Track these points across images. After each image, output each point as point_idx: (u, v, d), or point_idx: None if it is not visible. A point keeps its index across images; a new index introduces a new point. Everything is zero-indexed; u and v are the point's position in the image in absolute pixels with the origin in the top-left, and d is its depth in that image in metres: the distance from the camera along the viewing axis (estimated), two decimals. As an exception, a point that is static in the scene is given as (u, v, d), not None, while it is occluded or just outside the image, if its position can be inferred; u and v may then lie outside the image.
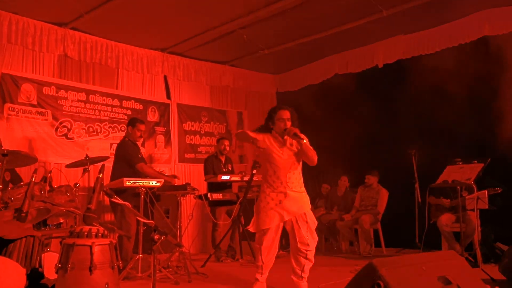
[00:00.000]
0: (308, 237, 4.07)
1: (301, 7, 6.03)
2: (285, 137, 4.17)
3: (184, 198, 6.59)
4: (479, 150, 5.72)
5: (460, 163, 5.20)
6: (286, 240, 7.82)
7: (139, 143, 5.92)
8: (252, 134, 4.19)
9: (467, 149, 6.00)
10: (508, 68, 5.81)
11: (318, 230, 4.42)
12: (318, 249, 4.33)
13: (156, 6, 5.94)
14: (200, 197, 6.26)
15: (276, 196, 4.10)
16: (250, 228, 4.26)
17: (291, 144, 4.20)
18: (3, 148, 4.89)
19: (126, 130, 5.97)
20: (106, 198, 6.22)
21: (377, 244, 6.95)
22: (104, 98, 6.99)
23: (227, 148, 6.86)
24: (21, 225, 2.58)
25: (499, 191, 5.58)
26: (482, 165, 4.90)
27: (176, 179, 5.92)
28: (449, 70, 6.46)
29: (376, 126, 7.16)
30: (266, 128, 4.26)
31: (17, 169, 5.64)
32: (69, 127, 6.55)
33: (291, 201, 4.11)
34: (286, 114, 4.18)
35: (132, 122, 5.73)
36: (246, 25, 6.60)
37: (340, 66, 7.96)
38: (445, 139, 6.48)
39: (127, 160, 5.49)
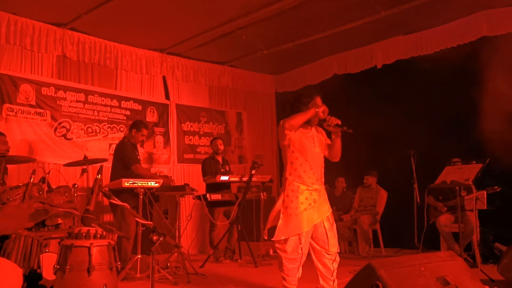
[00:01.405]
0: (337, 240, 3.79)
1: (300, 7, 6.03)
2: (314, 127, 3.86)
3: (183, 199, 6.61)
4: (478, 150, 5.72)
5: (459, 163, 5.21)
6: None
7: (138, 144, 5.92)
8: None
9: (466, 150, 6.00)
10: (506, 68, 5.81)
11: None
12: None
13: (154, 7, 5.94)
14: (199, 197, 6.26)
15: (310, 195, 3.69)
16: (277, 236, 3.67)
17: (322, 135, 3.91)
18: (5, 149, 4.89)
19: (127, 131, 5.96)
20: (106, 199, 6.22)
21: (376, 245, 6.95)
22: (103, 98, 6.98)
23: (221, 147, 6.85)
24: (18, 215, 2.56)
25: (497, 190, 5.58)
26: (480, 165, 4.90)
27: (173, 181, 5.91)
28: (447, 70, 6.47)
29: (375, 127, 7.15)
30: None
31: (15, 170, 5.65)
32: (68, 127, 6.54)
33: (324, 200, 3.79)
34: (320, 100, 3.79)
35: (138, 126, 5.68)
36: (245, 25, 6.61)
37: (339, 66, 7.96)
38: (444, 139, 6.49)
39: (123, 160, 5.50)
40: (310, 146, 3.78)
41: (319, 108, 3.71)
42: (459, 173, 5.02)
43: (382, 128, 7.10)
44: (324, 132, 3.98)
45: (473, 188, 5.07)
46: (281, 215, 3.72)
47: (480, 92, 6.14)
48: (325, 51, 7.89)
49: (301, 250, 3.66)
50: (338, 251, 3.84)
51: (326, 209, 3.78)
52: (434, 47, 6.76)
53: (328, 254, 3.74)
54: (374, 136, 7.25)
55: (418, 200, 6.35)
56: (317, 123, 3.86)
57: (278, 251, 3.72)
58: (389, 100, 7.18)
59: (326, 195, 3.87)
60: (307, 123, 3.80)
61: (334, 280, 3.77)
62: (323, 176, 3.84)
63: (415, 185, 6.45)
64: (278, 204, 3.79)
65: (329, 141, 3.93)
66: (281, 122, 3.75)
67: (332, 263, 3.77)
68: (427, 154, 6.38)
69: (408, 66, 7.03)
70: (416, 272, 2.48)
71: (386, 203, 7.01)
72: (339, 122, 3.73)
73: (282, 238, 3.66)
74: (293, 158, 3.76)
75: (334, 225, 3.84)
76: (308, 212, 3.66)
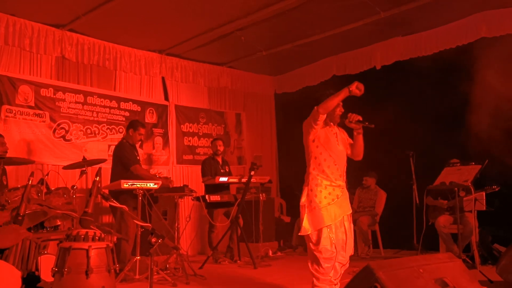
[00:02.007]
0: (353, 243, 3.80)
1: (299, 9, 6.03)
2: (336, 126, 3.88)
3: (182, 200, 6.59)
4: (477, 152, 5.72)
5: (458, 164, 5.21)
6: (284, 241, 7.86)
7: (137, 144, 5.93)
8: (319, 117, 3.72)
9: (464, 151, 6.00)
10: (505, 69, 5.81)
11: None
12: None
13: (153, 8, 5.94)
14: (197, 198, 6.26)
15: (334, 191, 3.72)
16: (303, 230, 3.69)
17: (344, 134, 3.94)
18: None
19: (125, 132, 5.96)
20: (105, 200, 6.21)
21: (375, 246, 6.95)
22: (102, 99, 6.98)
23: (220, 148, 6.86)
24: (17, 229, 2.58)
25: (496, 189, 5.59)
26: (479, 166, 4.90)
27: (172, 182, 5.91)
28: (446, 71, 6.47)
29: (374, 128, 7.16)
30: None
31: (14, 171, 5.64)
32: (67, 128, 6.54)
33: (346, 198, 3.80)
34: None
35: (134, 125, 5.71)
36: (244, 26, 6.60)
37: (338, 67, 7.96)
38: (443, 140, 6.49)
39: (122, 162, 5.51)
40: (334, 142, 3.83)
41: (351, 86, 3.71)
42: (458, 174, 5.03)
43: (381, 129, 7.07)
44: (345, 132, 4.01)
45: (472, 189, 5.07)
46: (306, 209, 3.73)
47: (479, 93, 6.15)
48: (324, 52, 7.89)
49: (335, 248, 3.66)
50: (352, 253, 3.85)
51: (347, 207, 3.80)
52: (433, 48, 6.76)
53: (343, 258, 3.74)
54: (373, 137, 7.23)
55: (417, 201, 6.36)
56: (339, 121, 3.90)
57: (314, 252, 3.70)
58: (388, 101, 7.17)
59: (347, 193, 3.87)
60: (330, 120, 3.84)
61: (336, 284, 3.77)
62: (345, 173, 3.85)
63: (414, 186, 6.46)
64: (302, 200, 3.79)
65: (351, 141, 3.98)
66: (315, 108, 3.72)
67: (341, 267, 3.78)
68: (426, 155, 6.39)
69: (407, 67, 7.03)
70: (415, 274, 2.49)
71: (385, 204, 7.00)
72: (360, 118, 3.77)
73: (307, 233, 3.67)
74: (317, 153, 3.78)
75: (352, 226, 3.83)
76: (331, 207, 3.67)
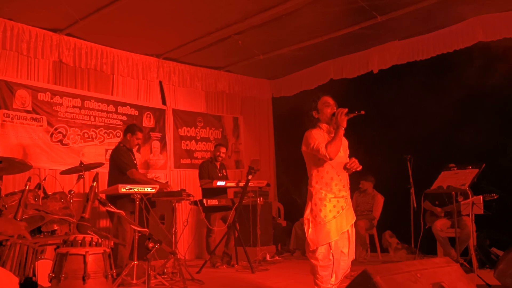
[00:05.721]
0: (354, 248, 3.80)
1: (296, 13, 6.05)
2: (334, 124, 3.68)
3: (179, 204, 6.59)
4: (474, 155, 5.74)
5: (455, 168, 5.21)
6: (282, 245, 7.86)
7: (134, 149, 5.92)
8: (316, 143, 3.62)
9: (462, 155, 6.02)
10: (503, 73, 5.84)
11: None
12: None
13: (151, 12, 5.94)
14: (195, 203, 6.25)
15: (338, 203, 3.64)
16: (311, 246, 3.62)
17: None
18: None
19: (122, 136, 5.96)
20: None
21: (373, 250, 6.96)
22: (99, 104, 6.97)
23: (222, 155, 6.87)
24: (16, 222, 2.57)
25: (495, 197, 5.60)
26: (477, 170, 4.90)
27: (168, 187, 5.91)
28: (444, 75, 6.49)
29: (371, 131, 7.18)
30: (311, 123, 3.79)
31: (11, 176, 5.62)
32: (64, 133, 6.53)
33: (350, 207, 3.74)
34: (331, 99, 3.79)
35: (132, 130, 5.71)
36: (241, 30, 6.62)
37: (335, 71, 7.98)
38: (440, 144, 6.50)
39: (119, 166, 5.50)
40: None
41: (343, 122, 3.65)
42: (455, 178, 5.03)
43: (378, 133, 7.11)
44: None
45: (469, 193, 5.08)
46: (310, 224, 3.68)
47: (476, 97, 6.18)
48: (322, 56, 7.91)
49: (332, 256, 3.62)
50: (354, 258, 3.84)
51: (352, 217, 3.76)
52: (430, 52, 6.78)
53: (345, 263, 3.73)
54: (370, 140, 7.27)
55: (415, 205, 6.36)
56: (329, 122, 3.77)
57: (310, 259, 3.68)
58: (385, 104, 7.20)
59: (351, 201, 3.83)
60: (329, 125, 3.75)
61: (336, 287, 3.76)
62: (348, 181, 3.80)
63: (412, 190, 6.46)
64: (306, 213, 3.74)
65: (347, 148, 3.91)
66: (322, 153, 3.58)
67: (343, 273, 3.76)
68: (423, 159, 6.40)
69: (404, 71, 7.05)
70: (412, 278, 2.48)
71: (382, 208, 7.01)
72: (346, 110, 3.66)
73: (314, 248, 3.62)
74: (319, 166, 3.70)
75: (354, 231, 3.81)
76: (337, 220, 3.62)
